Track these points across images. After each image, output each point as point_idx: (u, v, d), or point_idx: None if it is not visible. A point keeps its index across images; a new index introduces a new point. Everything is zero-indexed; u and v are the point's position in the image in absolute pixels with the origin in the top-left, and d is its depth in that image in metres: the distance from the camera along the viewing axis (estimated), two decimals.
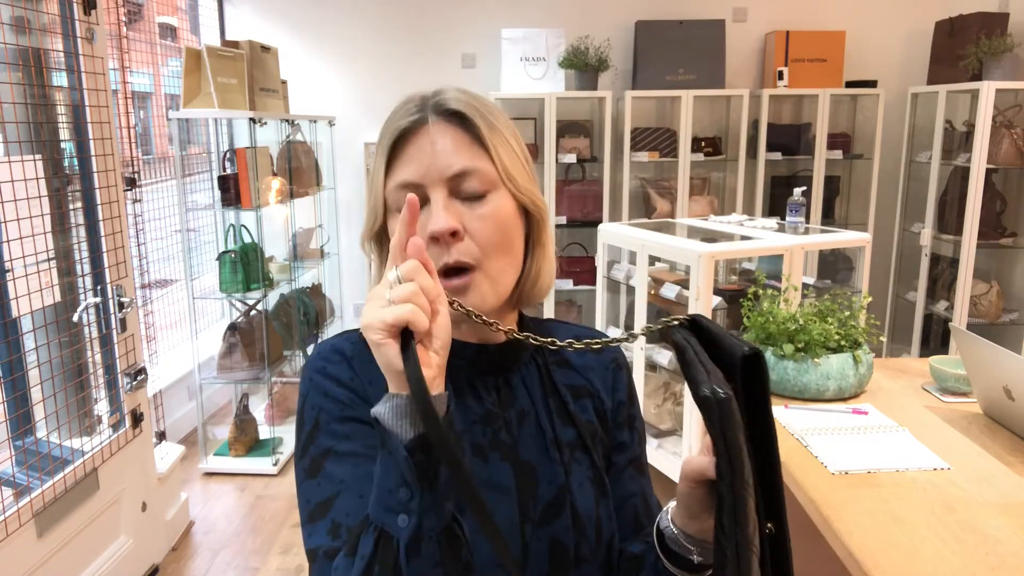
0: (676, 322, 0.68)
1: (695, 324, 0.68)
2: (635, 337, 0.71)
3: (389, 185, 0.74)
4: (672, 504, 0.73)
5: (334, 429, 0.73)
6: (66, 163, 2.15)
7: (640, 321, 2.75)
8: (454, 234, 0.71)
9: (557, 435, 0.80)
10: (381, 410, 0.60)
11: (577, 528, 0.77)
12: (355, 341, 0.80)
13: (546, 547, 0.75)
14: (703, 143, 3.98)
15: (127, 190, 2.56)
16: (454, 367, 0.78)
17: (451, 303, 0.65)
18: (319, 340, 3.82)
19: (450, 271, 0.72)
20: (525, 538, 0.75)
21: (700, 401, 0.58)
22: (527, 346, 0.84)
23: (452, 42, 4.01)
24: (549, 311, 3.94)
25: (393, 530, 0.59)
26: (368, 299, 0.62)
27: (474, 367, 0.80)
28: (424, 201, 0.72)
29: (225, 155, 3.41)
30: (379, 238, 0.79)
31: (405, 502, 0.59)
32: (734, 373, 0.62)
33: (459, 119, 0.74)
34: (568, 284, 3.98)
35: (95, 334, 2.25)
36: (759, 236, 2.70)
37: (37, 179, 1.88)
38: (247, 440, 3.28)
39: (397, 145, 0.74)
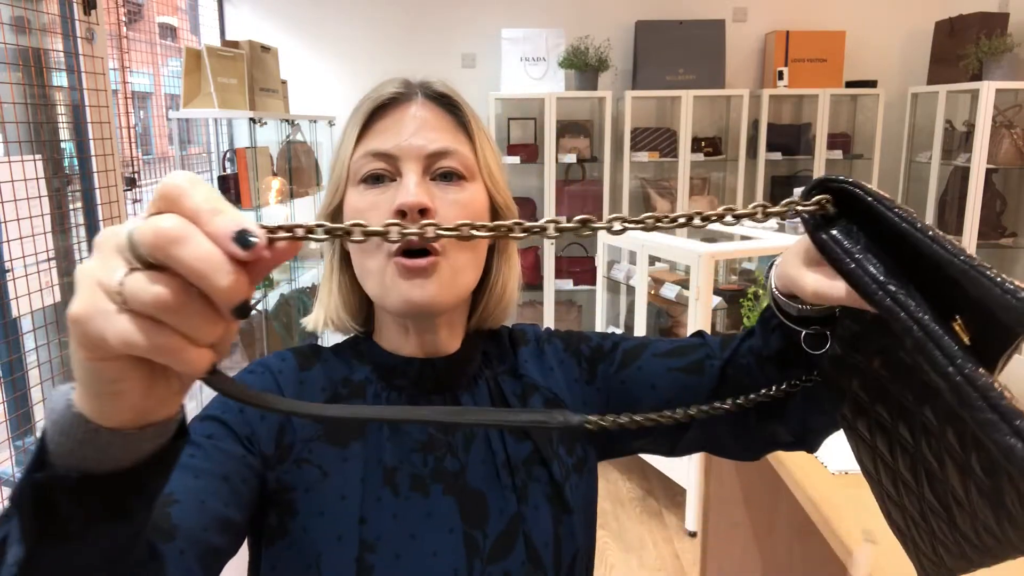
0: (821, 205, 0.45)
1: (847, 198, 0.44)
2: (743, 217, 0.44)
3: (357, 153, 0.68)
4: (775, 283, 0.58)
5: (200, 425, 0.65)
6: (66, 163, 2.15)
7: (640, 321, 2.75)
8: (424, 212, 0.64)
9: (509, 454, 0.72)
10: (50, 427, 0.37)
11: (532, 561, 0.68)
12: (285, 358, 0.74)
13: None
14: (703, 143, 3.98)
15: (127, 190, 2.56)
16: (395, 387, 0.72)
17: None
18: (319, 340, 3.82)
19: (411, 252, 0.65)
20: None
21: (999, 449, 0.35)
22: (475, 359, 0.76)
23: (452, 42, 4.01)
24: (549, 311, 3.95)
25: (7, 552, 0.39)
26: (87, 266, 0.34)
27: (417, 387, 0.72)
28: (394, 176, 0.67)
29: (225, 155, 3.41)
30: (334, 218, 0.70)
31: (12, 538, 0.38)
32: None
33: (446, 103, 0.71)
34: (568, 284, 3.98)
35: None
36: (759, 236, 2.70)
37: (37, 179, 1.88)
38: None
39: (375, 115, 0.69)
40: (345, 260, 0.73)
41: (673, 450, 0.78)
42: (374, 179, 0.68)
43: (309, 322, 0.76)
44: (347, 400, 0.72)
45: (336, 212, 0.71)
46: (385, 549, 0.65)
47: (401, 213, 0.64)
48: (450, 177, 0.68)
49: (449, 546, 0.67)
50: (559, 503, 0.72)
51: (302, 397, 0.70)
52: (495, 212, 0.73)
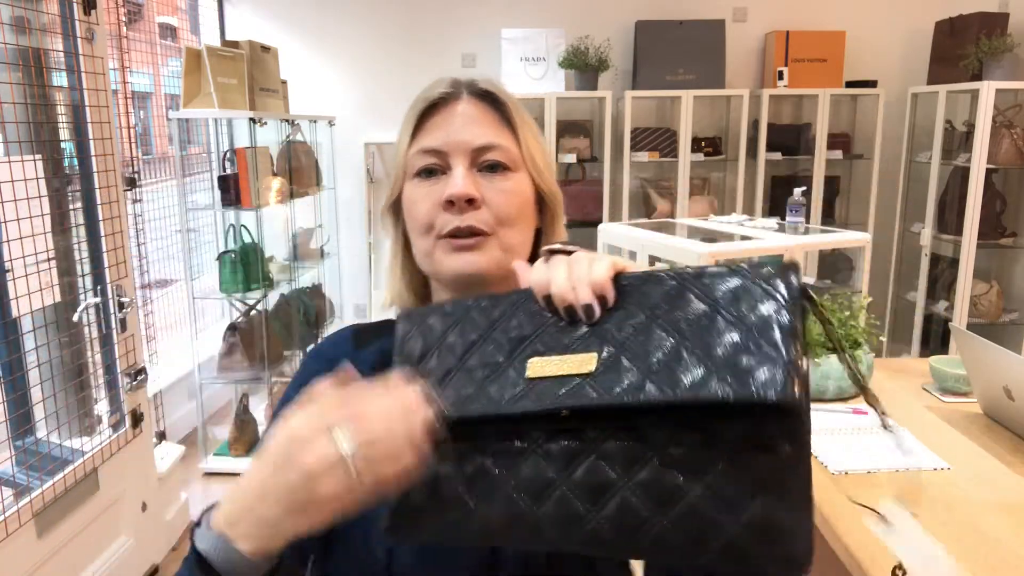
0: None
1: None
2: None
3: (412, 150, 0.75)
4: None
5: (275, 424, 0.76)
6: (66, 163, 2.15)
7: None
8: (471, 201, 0.71)
9: None
10: (208, 548, 0.52)
11: None
12: (345, 339, 0.82)
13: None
14: (703, 143, 3.98)
15: (127, 190, 2.56)
16: None
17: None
18: (319, 340, 3.82)
19: (461, 234, 0.71)
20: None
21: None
22: None
23: (452, 42, 4.01)
24: None
25: None
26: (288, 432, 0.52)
27: None
28: (444, 170, 0.74)
29: (225, 155, 3.41)
30: (396, 208, 0.80)
31: None
32: None
33: (491, 100, 0.77)
34: None
35: (95, 334, 2.24)
36: (759, 236, 2.70)
37: (37, 179, 1.88)
38: (247, 440, 3.28)
39: (426, 114, 0.76)
40: (407, 244, 0.79)
41: None
42: (427, 172, 0.74)
43: (382, 301, 0.85)
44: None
45: (397, 202, 0.79)
46: (409, 553, 0.69)
47: (450, 203, 0.71)
48: (495, 168, 0.74)
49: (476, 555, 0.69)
50: None
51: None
52: (540, 198, 0.79)
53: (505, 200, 0.73)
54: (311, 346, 0.86)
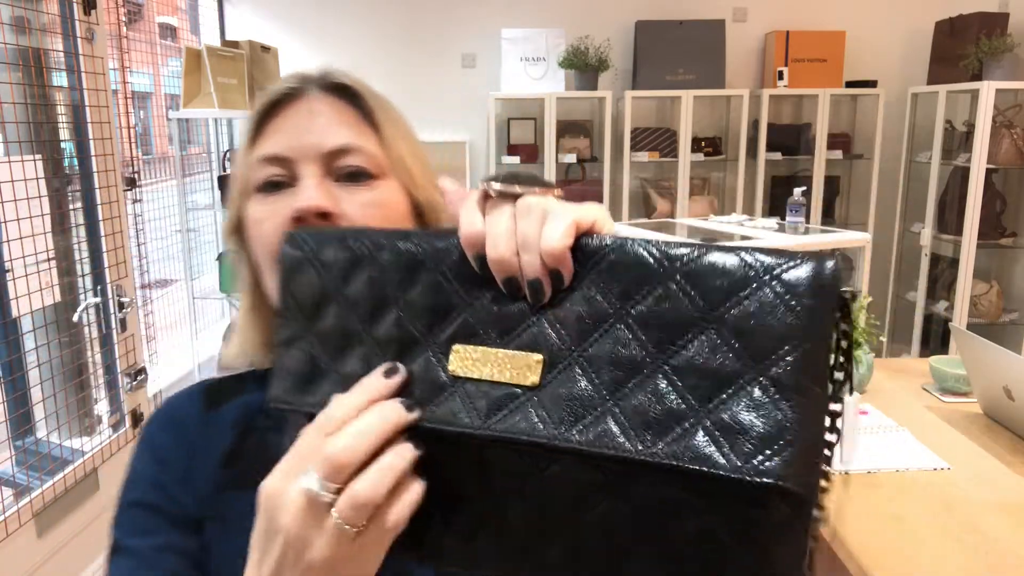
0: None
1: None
2: None
3: (250, 160, 0.62)
4: None
5: (129, 516, 0.63)
6: (66, 163, 2.15)
7: None
8: (326, 216, 0.57)
9: None
10: None
11: None
12: (193, 398, 0.68)
13: None
14: (703, 143, 3.98)
15: (127, 190, 2.56)
16: None
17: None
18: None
19: None
20: None
21: None
22: None
23: (452, 42, 4.01)
24: None
25: None
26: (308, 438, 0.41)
27: None
28: (292, 182, 0.60)
29: (225, 155, 3.42)
30: (238, 233, 0.65)
31: None
32: None
33: (345, 94, 0.63)
34: None
35: (95, 334, 2.25)
36: (759, 236, 2.70)
37: (37, 179, 1.88)
38: None
39: (267, 116, 0.63)
40: (257, 277, 0.64)
41: None
42: (271, 186, 0.60)
43: (227, 356, 0.68)
44: (263, 432, 0.61)
45: (239, 226, 0.64)
46: None
47: (299, 220, 0.57)
48: (356, 177, 0.60)
49: None
50: None
51: (209, 440, 0.64)
52: (417, 211, 0.64)
53: (369, 215, 0.59)
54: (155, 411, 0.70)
